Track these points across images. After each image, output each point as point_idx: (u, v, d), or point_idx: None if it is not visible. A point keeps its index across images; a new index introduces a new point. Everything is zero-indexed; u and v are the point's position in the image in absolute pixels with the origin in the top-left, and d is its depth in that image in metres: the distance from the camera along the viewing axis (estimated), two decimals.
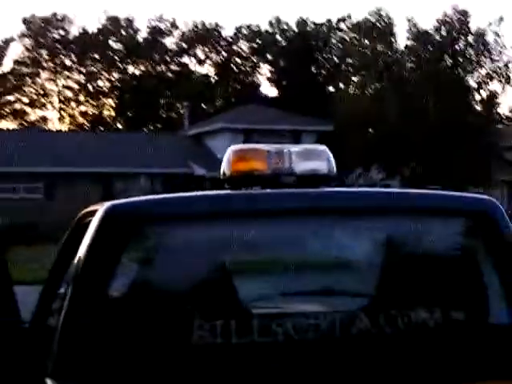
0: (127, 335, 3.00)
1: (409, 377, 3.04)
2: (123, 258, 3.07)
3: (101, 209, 3.16)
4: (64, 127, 70.88)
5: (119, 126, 72.08)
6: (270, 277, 3.41)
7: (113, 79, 73.03)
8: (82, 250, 3.11)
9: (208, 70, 73.52)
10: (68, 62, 72.21)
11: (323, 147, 3.44)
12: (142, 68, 72.52)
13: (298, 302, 3.32)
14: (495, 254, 3.22)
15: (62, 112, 72.97)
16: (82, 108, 73.99)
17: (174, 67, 72.81)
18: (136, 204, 3.27)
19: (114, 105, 73.65)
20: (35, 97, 72.04)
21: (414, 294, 3.20)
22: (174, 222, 3.19)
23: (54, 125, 71.89)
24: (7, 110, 70.85)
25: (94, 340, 2.94)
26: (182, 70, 71.85)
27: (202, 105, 67.80)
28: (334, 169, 3.42)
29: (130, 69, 73.09)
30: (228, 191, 3.35)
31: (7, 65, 71.04)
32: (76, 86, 72.95)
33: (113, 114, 74.15)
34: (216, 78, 72.63)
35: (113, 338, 2.97)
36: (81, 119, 73.53)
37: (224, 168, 3.38)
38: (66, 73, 72.46)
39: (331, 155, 3.42)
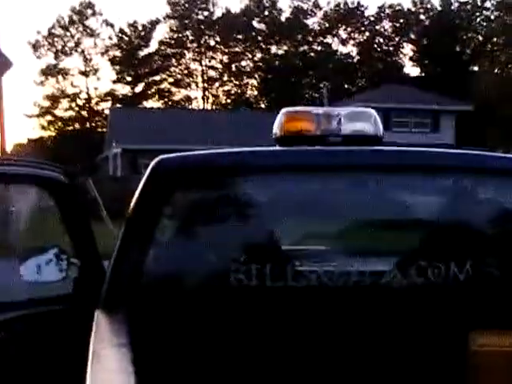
0: (170, 272, 3.35)
1: (445, 322, 3.30)
2: (170, 206, 3.36)
3: (153, 161, 3.47)
4: (208, 106, 72.69)
5: (262, 105, 73.25)
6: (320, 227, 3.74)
7: (256, 59, 74.28)
8: (134, 197, 3.42)
9: (351, 49, 73.95)
10: (212, 43, 74.11)
11: (370, 110, 3.65)
12: (285, 48, 73.41)
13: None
14: None
15: (206, 92, 74.77)
16: (226, 88, 75.59)
17: (316, 47, 73.38)
18: (182, 159, 3.54)
19: (257, 85, 74.98)
20: (180, 77, 74.22)
21: (464, 247, 3.41)
22: (220, 176, 3.48)
23: (199, 104, 73.92)
24: (153, 89, 73.13)
25: (140, 275, 3.24)
26: (325, 49, 72.35)
27: (345, 85, 68.03)
28: (380, 130, 3.62)
29: (273, 49, 74.20)
30: (276, 148, 3.60)
31: (153, 46, 73.79)
32: (220, 66, 74.64)
33: (256, 93, 75.44)
34: (358, 57, 72.78)
35: (156, 274, 3.30)
36: (224, 99, 75.11)
37: (276, 128, 3.62)
38: (210, 53, 74.24)
39: (378, 118, 3.63)
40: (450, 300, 3.34)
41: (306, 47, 73.65)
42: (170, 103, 73.30)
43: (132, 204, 3.37)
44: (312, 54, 73.13)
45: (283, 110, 3.63)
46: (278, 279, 3.30)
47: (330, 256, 3.65)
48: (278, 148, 3.60)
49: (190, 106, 73.18)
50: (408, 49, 72.76)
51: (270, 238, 3.55)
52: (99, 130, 65.68)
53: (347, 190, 3.61)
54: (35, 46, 70.94)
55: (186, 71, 74.85)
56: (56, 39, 71.25)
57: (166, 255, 3.42)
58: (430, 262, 3.33)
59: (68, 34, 71.67)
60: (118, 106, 69.08)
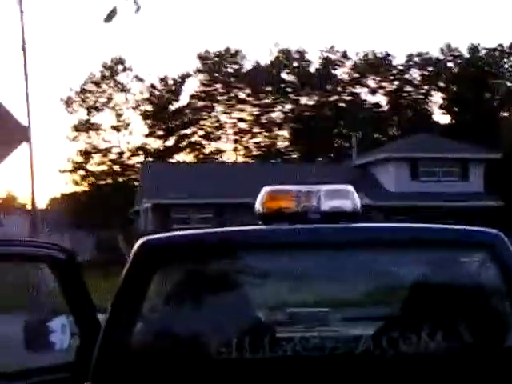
0: (155, 345, 3.56)
1: None
2: (154, 284, 3.58)
3: (137, 242, 3.68)
4: (239, 158, 73.28)
5: (293, 156, 73.72)
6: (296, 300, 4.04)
7: (286, 110, 74.94)
8: (122, 274, 3.64)
9: (380, 99, 74.35)
10: (242, 95, 74.80)
11: (348, 187, 3.84)
12: (315, 98, 74.02)
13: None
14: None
15: (237, 144, 75.42)
16: (256, 139, 76.19)
17: (346, 97, 73.93)
18: (163, 240, 3.78)
19: (287, 135, 75.54)
20: (210, 130, 74.95)
21: (435, 318, 3.55)
22: (201, 256, 3.71)
23: (229, 156, 74.52)
24: (184, 143, 73.93)
25: (127, 348, 3.45)
26: (354, 99, 72.82)
27: (374, 134, 68.36)
28: (358, 206, 3.80)
29: (303, 100, 74.74)
30: (257, 226, 3.82)
31: (184, 99, 74.62)
32: (250, 118, 75.31)
33: (287, 144, 75.98)
34: (388, 106, 73.22)
35: (142, 347, 3.50)
36: (255, 150, 75.67)
37: (258, 205, 3.84)
38: (240, 105, 74.92)
39: (355, 194, 3.82)
40: (420, 370, 3.44)
41: (335, 97, 74.27)
42: (201, 156, 73.99)
43: (120, 280, 3.60)
44: (342, 104, 73.70)
45: (265, 189, 3.84)
46: (256, 351, 3.48)
47: (310, 324, 3.86)
48: (259, 227, 3.82)
49: (221, 159, 73.91)
50: (437, 96, 73.25)
51: (251, 311, 3.81)
52: (132, 183, 66.44)
53: (323, 264, 3.79)
54: (67, 102, 72.42)
55: (216, 124, 75.78)
56: (88, 95, 72.62)
57: (152, 329, 3.64)
58: (402, 332, 3.49)
59: (100, 89, 73.01)
60: (150, 160, 69.98)
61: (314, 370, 3.45)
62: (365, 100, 74.39)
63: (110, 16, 3.06)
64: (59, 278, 4.37)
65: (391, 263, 3.82)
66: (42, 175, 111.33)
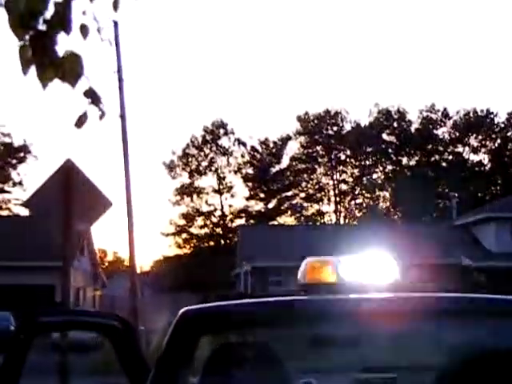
0: None
1: None
2: (193, 353, 3.68)
3: (179, 312, 3.79)
4: (341, 220, 73.29)
5: (395, 216, 73.29)
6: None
7: (387, 171, 74.78)
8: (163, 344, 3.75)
9: (482, 157, 73.45)
10: (342, 157, 75.08)
11: (389, 257, 3.90)
12: (416, 159, 73.69)
13: None
14: None
15: (338, 206, 75.52)
16: (358, 201, 76.17)
17: (447, 156, 73.34)
18: (203, 311, 3.87)
19: (389, 196, 75.26)
20: (312, 191, 75.31)
21: None
22: (239, 326, 3.81)
23: (331, 218, 74.55)
24: (286, 205, 74.45)
25: None
26: (456, 158, 72.17)
27: (478, 193, 67.40)
28: (399, 277, 3.87)
29: (404, 160, 74.50)
30: (298, 297, 3.91)
31: (285, 162, 75.36)
32: (351, 180, 75.42)
33: (388, 205, 75.67)
34: (490, 165, 72.20)
35: None
36: (357, 212, 75.63)
37: (300, 276, 3.95)
38: (341, 167, 75.17)
39: (395, 265, 3.88)
40: None
41: (436, 157, 73.76)
42: (302, 218, 74.27)
43: (160, 351, 3.74)
44: (443, 164, 73.09)
45: (307, 260, 3.95)
46: None
47: None
48: (299, 297, 3.92)
49: (322, 221, 74.06)
50: None
51: (286, 378, 3.94)
52: (234, 246, 67.20)
53: (364, 336, 3.92)
54: (170, 167, 74.21)
55: (317, 186, 76.21)
56: (190, 159, 74.25)
57: None
58: None
59: (202, 153, 74.55)
60: (252, 221, 70.75)
61: None
62: (467, 159, 73.64)
63: (81, 121, 3.32)
64: (116, 346, 4.65)
65: (432, 333, 3.89)
66: (145, 238, 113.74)
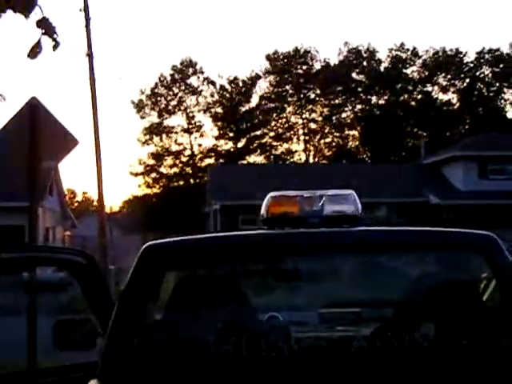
0: (159, 345, 3.73)
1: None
2: (158, 287, 3.76)
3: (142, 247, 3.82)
4: (310, 159, 73.43)
5: (364, 156, 73.52)
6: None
7: (356, 110, 74.74)
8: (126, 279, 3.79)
9: (451, 96, 73.62)
10: (312, 96, 74.84)
11: (350, 191, 3.94)
12: (385, 98, 73.71)
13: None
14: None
15: (308, 145, 75.59)
16: (327, 140, 76.23)
17: (416, 96, 73.35)
18: (166, 245, 3.92)
19: (358, 135, 75.36)
20: (281, 130, 75.24)
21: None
22: (203, 259, 3.87)
23: (300, 157, 74.71)
24: (255, 144, 74.37)
25: (130, 353, 3.60)
26: (425, 98, 72.20)
27: (446, 132, 67.67)
28: (359, 210, 3.89)
29: (373, 99, 74.48)
30: (260, 231, 3.95)
31: (254, 101, 75.15)
32: (320, 119, 75.34)
33: (357, 144, 75.83)
34: (459, 104, 72.36)
35: (146, 347, 3.66)
36: (326, 151, 75.74)
37: (263, 210, 3.95)
38: (311, 106, 75.00)
39: (358, 198, 3.90)
40: (414, 368, 3.54)
41: (405, 96, 73.73)
42: (272, 157, 74.27)
43: (124, 286, 3.78)
44: (412, 103, 73.14)
45: (270, 194, 3.96)
46: (253, 350, 3.60)
47: (307, 324, 4.07)
48: (262, 231, 3.95)
49: (292, 160, 74.12)
50: (509, 94, 72.18)
51: (251, 312, 4.01)
52: (203, 185, 67.18)
53: (324, 267, 4.03)
54: (139, 106, 73.63)
55: (286, 125, 76.09)
56: (159, 98, 73.70)
57: (155, 332, 3.82)
58: (398, 331, 3.64)
59: (170, 92, 73.98)
60: (221, 161, 70.61)
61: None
62: (436, 98, 73.71)
63: (34, 51, 3.24)
64: (80, 282, 4.65)
65: (387, 264, 4.01)
66: (114, 178, 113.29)
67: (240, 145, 74.98)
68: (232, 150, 74.35)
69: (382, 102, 74.61)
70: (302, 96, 75.26)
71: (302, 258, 3.90)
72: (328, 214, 3.83)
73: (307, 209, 3.83)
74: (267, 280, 4.14)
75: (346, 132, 76.28)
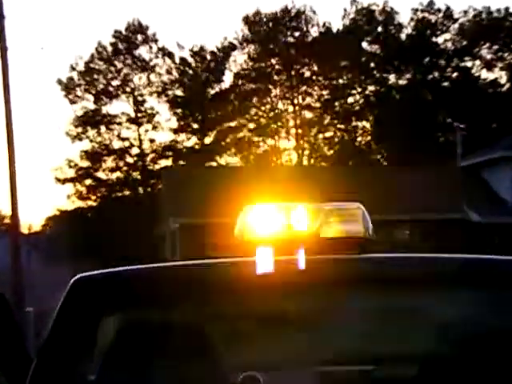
0: None
1: None
2: (88, 337, 3.79)
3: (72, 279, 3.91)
4: (304, 161, 73.58)
5: (378, 157, 73.81)
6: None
7: (368, 93, 75.23)
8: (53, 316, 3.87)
9: (498, 74, 74.54)
10: (307, 74, 75.59)
11: (357, 205, 3.97)
12: (408, 76, 74.30)
13: None
14: None
15: (301, 141, 76.03)
16: (328, 134, 76.64)
17: (450, 73, 74.04)
18: (105, 277, 4.00)
19: (370, 128, 75.78)
20: (264, 121, 76.35)
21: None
22: (158, 303, 3.93)
23: (291, 158, 74.97)
24: (228, 140, 74.78)
25: None
26: (462, 76, 73.08)
27: (492, 124, 68.03)
28: (369, 230, 3.95)
29: (391, 78, 75.17)
30: (232, 259, 4.02)
31: (227, 80, 75.63)
32: (318, 105, 75.68)
33: (369, 140, 76.18)
34: (509, 85, 72.74)
35: None
36: (326, 149, 75.98)
37: (237, 232, 3.95)
38: (305, 88, 75.54)
39: (367, 214, 3.95)
40: None
41: (435, 74, 73.93)
42: (251, 158, 74.08)
43: (45, 334, 3.81)
44: (445, 84, 73.35)
45: (246, 208, 3.94)
46: None
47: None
48: (233, 260, 4.00)
49: (279, 161, 74.08)
50: None
51: (220, 371, 3.96)
52: (157, 196, 67.01)
53: (316, 309, 4.08)
54: (68, 87, 73.52)
55: (272, 114, 76.18)
56: (96, 76, 73.60)
57: None
58: None
59: (112, 68, 73.85)
60: (181, 163, 70.48)
61: None
62: (477, 77, 73.98)
63: None
64: None
65: (409, 305, 4.06)
66: (34, 187, 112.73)
67: (208, 140, 75.24)
68: (197, 147, 74.41)
69: (402, 81, 74.81)
70: (292, 74, 75.44)
71: (291, 295, 3.90)
72: (326, 235, 3.85)
73: (297, 228, 3.83)
74: (243, 326, 4.12)
75: (354, 123, 76.43)
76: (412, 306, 4.12)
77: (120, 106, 75.02)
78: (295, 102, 76.52)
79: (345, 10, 75.96)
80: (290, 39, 75.56)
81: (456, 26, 74.48)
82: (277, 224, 3.82)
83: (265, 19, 75.69)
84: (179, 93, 75.11)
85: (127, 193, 73.55)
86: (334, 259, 3.87)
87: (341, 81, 75.12)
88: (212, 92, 75.48)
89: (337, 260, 3.87)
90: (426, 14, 74.64)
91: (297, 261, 3.82)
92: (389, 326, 4.18)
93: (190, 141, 75.55)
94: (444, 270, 3.91)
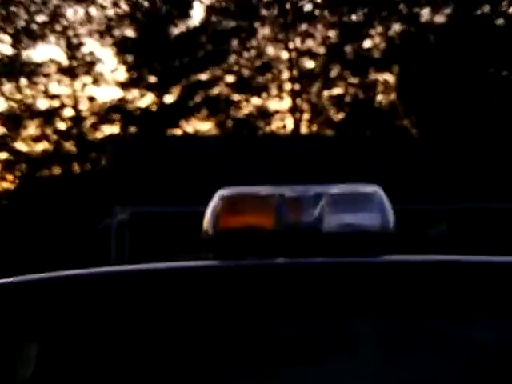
0: None
1: None
2: (7, 363, 3.86)
3: None
4: (303, 128, 74.07)
5: (405, 123, 74.26)
6: None
7: (391, 35, 75.48)
8: None
9: None
10: (308, 6, 75.86)
11: (373, 188, 4.10)
12: (447, 11, 74.46)
13: None
14: None
15: (298, 100, 76.33)
16: (334, 92, 77.12)
17: (506, 8, 74.27)
18: (26, 286, 4.09)
19: (394, 84, 76.15)
20: (248, 74, 76.25)
21: None
22: (96, 319, 3.97)
23: (285, 124, 75.18)
24: (197, 98, 75.03)
25: None
26: None
27: None
28: (390, 223, 4.04)
29: (424, 14, 75.59)
30: (204, 263, 4.07)
31: (196, 16, 76.17)
32: (322, 51, 76.14)
33: (392, 100, 76.63)
34: None
35: None
36: (331, 113, 76.51)
37: (207, 224, 4.09)
38: (305, 27, 75.84)
39: (387, 201, 4.06)
40: None
41: (486, 9, 74.39)
42: (229, 123, 74.57)
43: None
44: (499, 22, 73.93)
45: (220, 193, 4.04)
46: None
47: None
48: (201, 263, 4.03)
49: (267, 128, 74.57)
50: None
51: None
52: (100, 174, 67.30)
53: (325, 336, 3.93)
54: None
55: (259, 63, 76.58)
56: (14, 9, 73.97)
57: None
58: None
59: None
60: (133, 129, 70.87)
61: None
62: None
63: None
64: None
65: (443, 330, 3.92)
66: None
67: (169, 99, 75.77)
68: (154, 108, 74.78)
69: (439, 19, 75.26)
70: (287, 8, 75.73)
71: (279, 318, 3.87)
72: (331, 229, 3.94)
73: (291, 220, 3.94)
74: (215, 360, 3.95)
75: (372, 76, 76.74)
76: (448, 332, 3.96)
77: (48, 51, 75.48)
78: (290, 46, 76.96)
79: None
80: None
81: None
82: (261, 214, 3.93)
83: None
84: (130, 33, 75.45)
85: (57, 171, 73.78)
86: (340, 263, 3.89)
87: (354, 17, 75.48)
88: (175, 32, 75.82)
89: (343, 265, 3.89)
90: None
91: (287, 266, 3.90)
92: (415, 360, 3.97)
93: (144, 99, 76.01)
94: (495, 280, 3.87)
